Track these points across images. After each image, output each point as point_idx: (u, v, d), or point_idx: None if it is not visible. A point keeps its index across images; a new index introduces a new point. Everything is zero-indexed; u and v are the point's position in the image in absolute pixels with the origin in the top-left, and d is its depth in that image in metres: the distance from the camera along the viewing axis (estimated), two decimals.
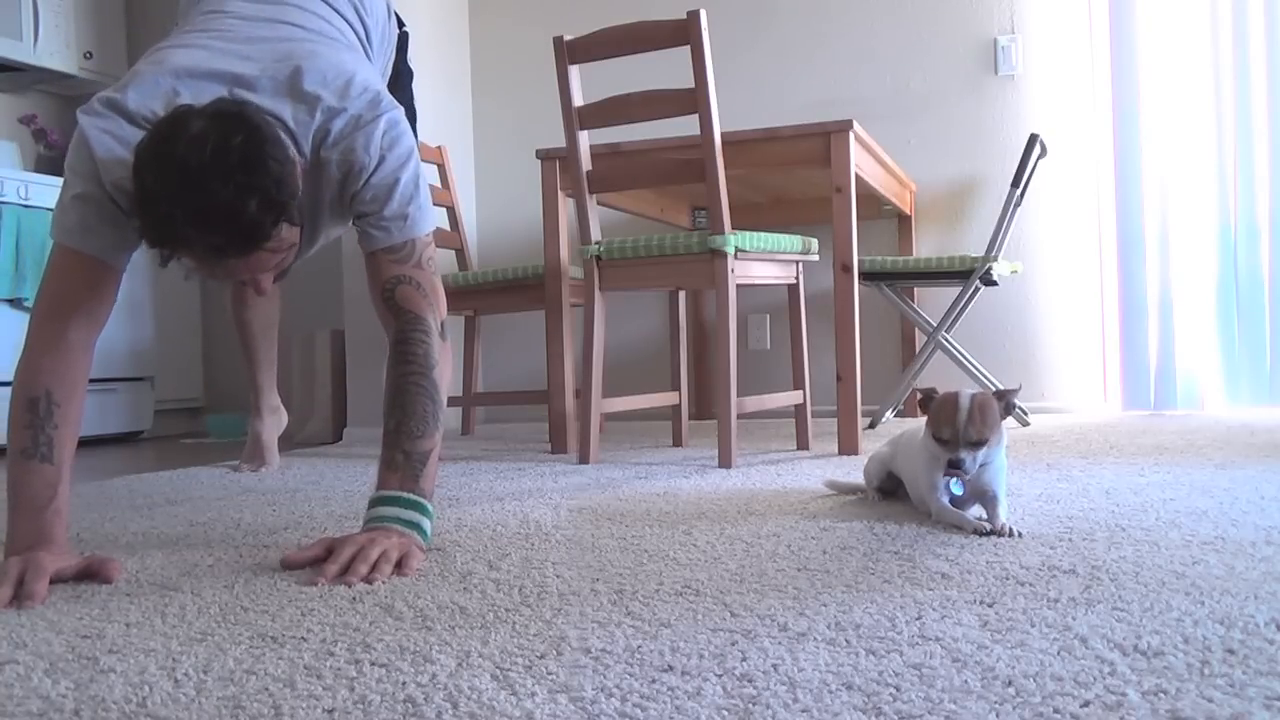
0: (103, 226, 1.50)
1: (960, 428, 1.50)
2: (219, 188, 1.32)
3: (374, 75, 1.71)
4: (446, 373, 1.59)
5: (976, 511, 1.57)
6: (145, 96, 1.51)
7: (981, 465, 1.54)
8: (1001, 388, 1.58)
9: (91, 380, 4.20)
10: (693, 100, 2.47)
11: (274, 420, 2.80)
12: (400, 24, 2.26)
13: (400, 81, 2.23)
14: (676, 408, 3.09)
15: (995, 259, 3.24)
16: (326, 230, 1.73)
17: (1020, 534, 1.47)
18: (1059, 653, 0.91)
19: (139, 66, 1.58)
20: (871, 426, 3.38)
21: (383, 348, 1.71)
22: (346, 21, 1.86)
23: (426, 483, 1.49)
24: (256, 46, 1.62)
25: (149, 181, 1.35)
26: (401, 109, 1.63)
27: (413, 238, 1.62)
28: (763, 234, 2.63)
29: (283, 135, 1.46)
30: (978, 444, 1.50)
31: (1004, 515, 1.52)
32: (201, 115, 1.37)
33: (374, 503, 1.47)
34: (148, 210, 1.36)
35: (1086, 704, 0.78)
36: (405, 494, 1.46)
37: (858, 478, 1.94)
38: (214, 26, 1.67)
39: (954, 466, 1.50)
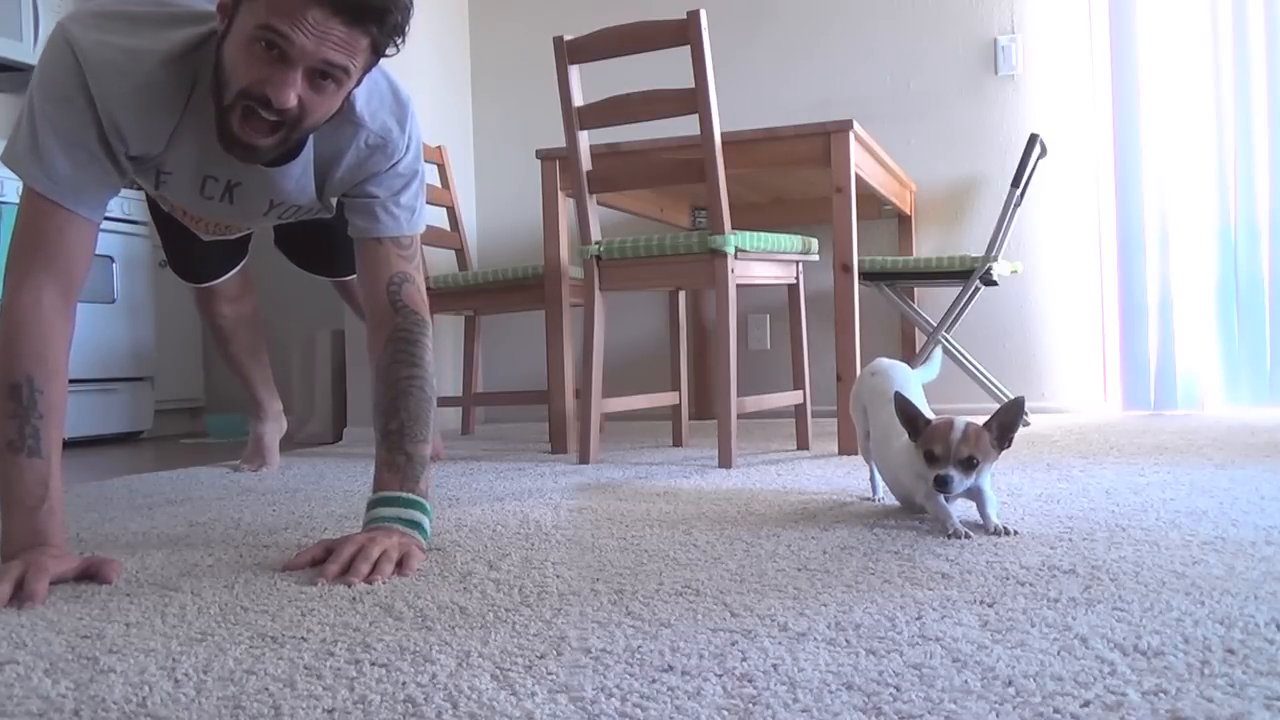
0: (87, 167, 1.41)
1: (953, 445, 1.48)
2: None
3: None
4: None
5: (963, 508, 1.57)
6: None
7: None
8: (1009, 398, 1.55)
9: (91, 380, 4.19)
10: (693, 100, 2.47)
11: (275, 425, 2.81)
12: None
13: None
14: (676, 408, 3.09)
15: (995, 259, 3.24)
16: (325, 197, 1.66)
17: (1014, 532, 1.47)
18: (1059, 653, 0.91)
19: None
20: None
21: None
22: None
23: (425, 484, 1.49)
24: None
25: None
26: None
27: (416, 234, 1.63)
28: (763, 234, 2.63)
29: None
30: (968, 462, 1.48)
31: (995, 513, 1.52)
32: None
33: (374, 503, 1.47)
34: None
35: (1086, 704, 0.78)
36: (405, 494, 1.46)
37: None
38: None
39: (941, 485, 1.48)
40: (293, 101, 1.34)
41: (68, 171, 1.40)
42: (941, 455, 1.49)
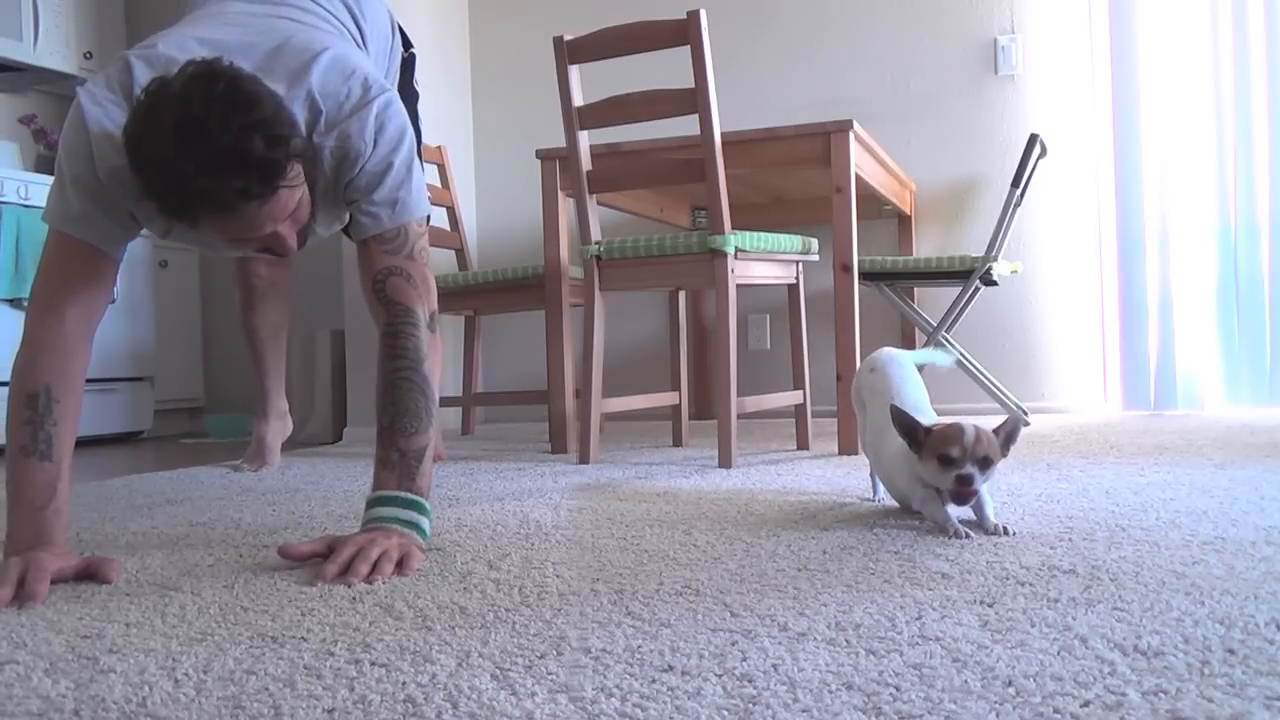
0: (100, 213, 1.50)
1: (969, 446, 1.47)
2: (221, 133, 1.30)
3: (366, 61, 1.71)
4: (437, 366, 1.59)
5: (962, 513, 1.56)
6: (151, 72, 1.47)
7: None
8: (1008, 397, 1.55)
9: (91, 380, 4.20)
10: (693, 100, 2.47)
11: (279, 424, 2.81)
12: (408, 44, 2.24)
13: (405, 103, 2.23)
14: (676, 408, 3.09)
15: (995, 259, 3.24)
16: (324, 219, 1.69)
17: (1012, 531, 1.47)
18: (1059, 653, 0.91)
19: (133, 54, 1.56)
20: None
21: None
22: (343, 24, 1.87)
23: (423, 480, 1.48)
24: (254, 27, 1.64)
25: (149, 153, 1.33)
26: (395, 91, 1.62)
27: (403, 224, 1.61)
28: (763, 234, 2.63)
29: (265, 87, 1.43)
30: (985, 462, 1.48)
31: (992, 513, 1.52)
32: (176, 80, 1.34)
33: (372, 503, 1.46)
34: (157, 180, 1.33)
35: (1086, 704, 0.78)
36: (403, 494, 1.46)
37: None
38: (216, 10, 1.71)
39: (963, 483, 1.47)
40: (294, 245, 1.51)
41: (86, 213, 1.50)
42: (959, 456, 1.48)
